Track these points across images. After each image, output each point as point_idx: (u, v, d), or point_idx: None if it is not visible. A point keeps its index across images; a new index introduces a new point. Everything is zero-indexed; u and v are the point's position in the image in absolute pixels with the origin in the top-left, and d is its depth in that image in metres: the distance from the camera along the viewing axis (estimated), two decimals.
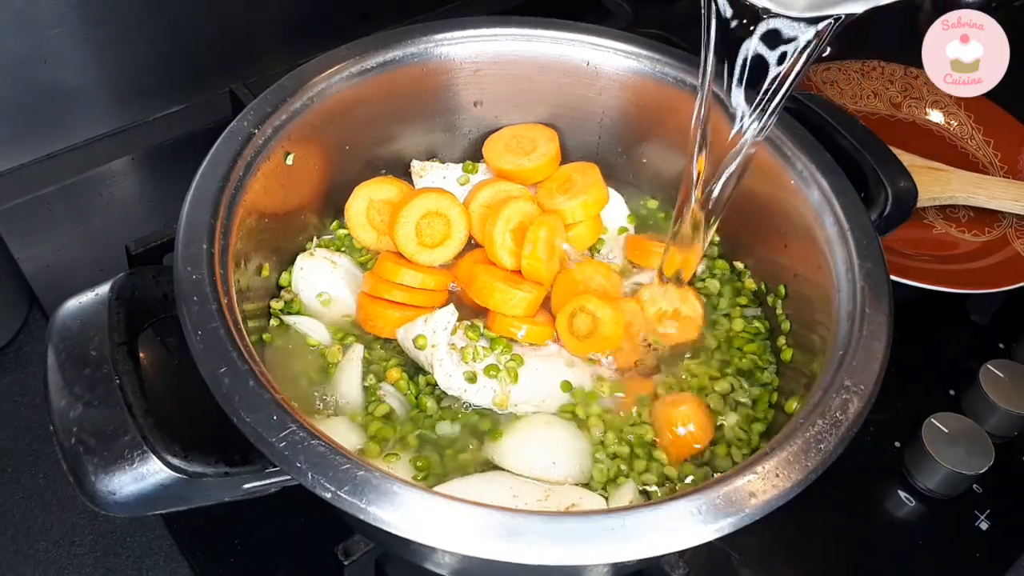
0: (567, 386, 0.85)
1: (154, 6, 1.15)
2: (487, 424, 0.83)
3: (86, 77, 1.15)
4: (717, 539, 0.62)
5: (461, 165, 1.02)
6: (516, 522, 0.60)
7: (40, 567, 0.86)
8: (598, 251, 0.99)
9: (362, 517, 0.59)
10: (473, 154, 1.05)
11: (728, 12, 0.64)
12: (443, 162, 1.03)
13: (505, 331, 0.87)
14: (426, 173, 1.00)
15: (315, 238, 0.96)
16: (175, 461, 0.62)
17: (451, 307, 0.85)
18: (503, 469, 0.79)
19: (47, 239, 1.11)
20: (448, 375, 0.83)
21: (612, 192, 1.01)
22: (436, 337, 0.83)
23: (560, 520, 0.60)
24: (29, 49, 1.08)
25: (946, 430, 0.95)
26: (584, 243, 0.97)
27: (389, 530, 0.59)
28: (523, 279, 0.92)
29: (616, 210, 1.01)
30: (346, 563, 0.80)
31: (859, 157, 0.90)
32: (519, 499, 0.75)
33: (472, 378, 0.83)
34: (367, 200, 0.96)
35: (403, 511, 0.59)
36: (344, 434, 0.80)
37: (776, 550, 0.91)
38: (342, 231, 0.98)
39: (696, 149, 0.78)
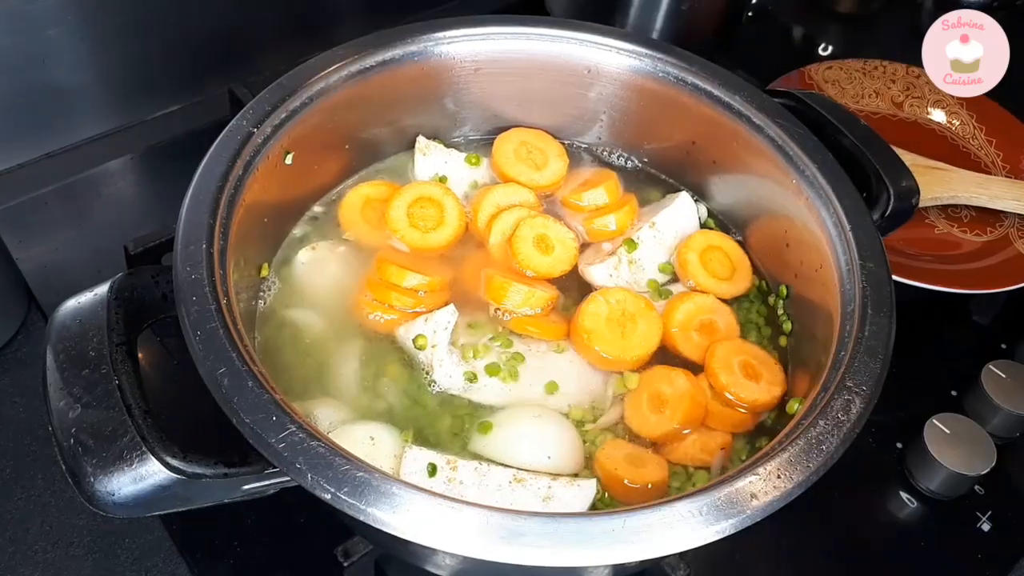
0: (553, 387, 0.85)
1: (153, 6, 1.15)
2: (477, 418, 0.82)
3: (85, 77, 1.15)
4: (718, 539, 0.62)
5: (464, 156, 1.01)
6: (516, 524, 0.59)
7: (39, 568, 0.86)
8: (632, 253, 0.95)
9: (361, 518, 0.59)
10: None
11: None
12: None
13: (523, 329, 0.87)
14: (429, 152, 1.00)
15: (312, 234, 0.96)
16: (174, 462, 0.62)
17: (451, 307, 0.85)
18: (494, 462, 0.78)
19: (46, 239, 1.11)
20: (448, 375, 0.83)
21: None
22: (436, 337, 0.83)
23: (560, 521, 0.60)
24: (28, 48, 1.08)
25: (948, 431, 0.95)
26: (613, 233, 0.97)
27: (389, 531, 0.59)
28: (536, 280, 0.92)
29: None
30: (346, 564, 0.80)
31: (861, 157, 0.89)
32: (487, 478, 0.74)
33: (473, 377, 0.83)
34: (363, 198, 0.96)
35: (403, 512, 0.59)
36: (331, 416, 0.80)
37: (777, 551, 0.91)
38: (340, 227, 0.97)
39: None
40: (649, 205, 1.01)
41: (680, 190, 1.01)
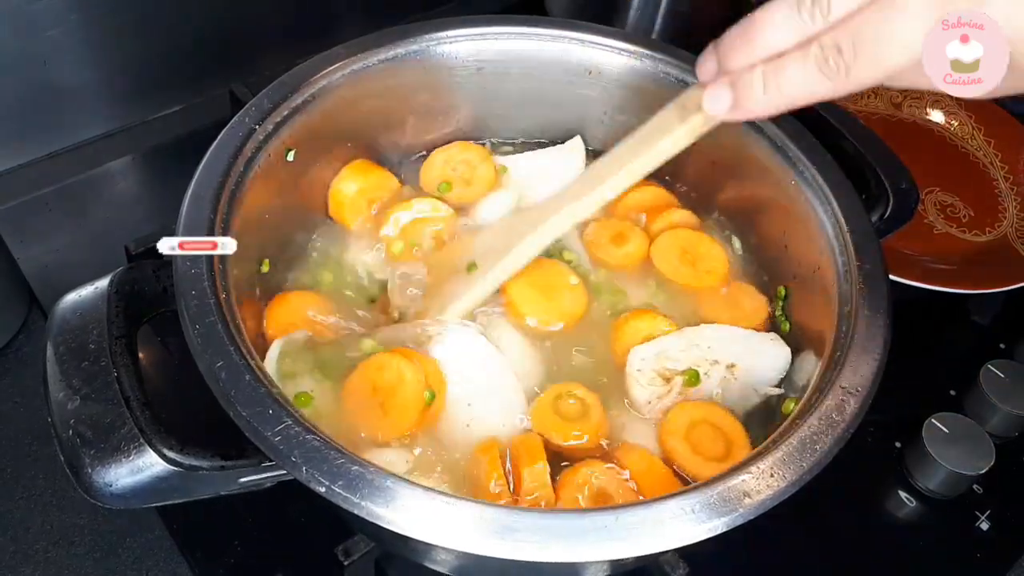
0: None
1: (154, 6, 1.15)
2: None
3: (86, 77, 1.15)
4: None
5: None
6: (510, 519, 0.59)
7: (40, 567, 0.86)
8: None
9: (356, 512, 0.59)
10: None
11: None
12: None
13: None
14: None
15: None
16: (171, 454, 0.62)
17: None
18: None
19: (47, 239, 1.11)
20: None
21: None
22: None
23: (554, 516, 0.60)
24: (29, 49, 1.08)
25: (947, 430, 0.95)
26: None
27: (383, 525, 0.59)
28: None
29: None
30: (346, 563, 0.80)
31: (860, 158, 0.90)
32: None
33: None
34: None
35: (397, 506, 0.59)
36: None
37: (777, 550, 0.91)
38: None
39: None
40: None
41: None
